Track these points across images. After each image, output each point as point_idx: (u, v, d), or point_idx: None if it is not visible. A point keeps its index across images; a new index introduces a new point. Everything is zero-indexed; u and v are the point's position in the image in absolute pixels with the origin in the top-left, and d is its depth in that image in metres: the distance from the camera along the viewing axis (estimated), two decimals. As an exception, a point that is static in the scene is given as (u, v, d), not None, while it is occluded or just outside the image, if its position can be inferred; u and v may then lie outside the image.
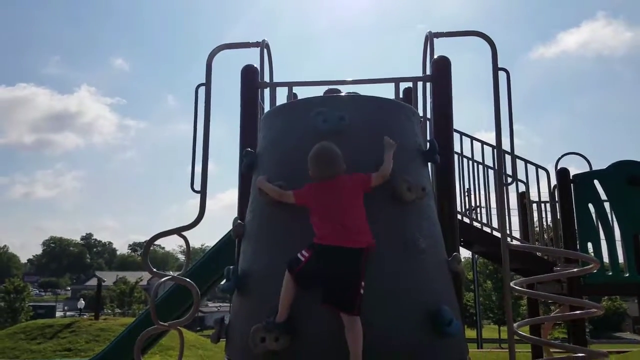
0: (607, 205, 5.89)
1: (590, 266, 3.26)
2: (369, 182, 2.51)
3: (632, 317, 46.71)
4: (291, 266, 2.41)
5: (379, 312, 2.39)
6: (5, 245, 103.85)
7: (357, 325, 2.29)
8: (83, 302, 44.36)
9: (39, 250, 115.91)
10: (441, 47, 3.67)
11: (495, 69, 3.09)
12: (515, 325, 2.87)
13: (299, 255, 2.42)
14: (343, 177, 2.49)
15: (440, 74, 3.53)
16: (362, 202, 2.46)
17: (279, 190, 2.63)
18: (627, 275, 5.74)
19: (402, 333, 2.39)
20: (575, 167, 6.10)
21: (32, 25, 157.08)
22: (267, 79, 3.89)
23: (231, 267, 2.85)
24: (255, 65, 3.75)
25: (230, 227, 3.15)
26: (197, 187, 3.25)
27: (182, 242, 3.16)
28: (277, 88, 3.91)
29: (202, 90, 3.38)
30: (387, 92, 4.00)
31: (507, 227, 6.20)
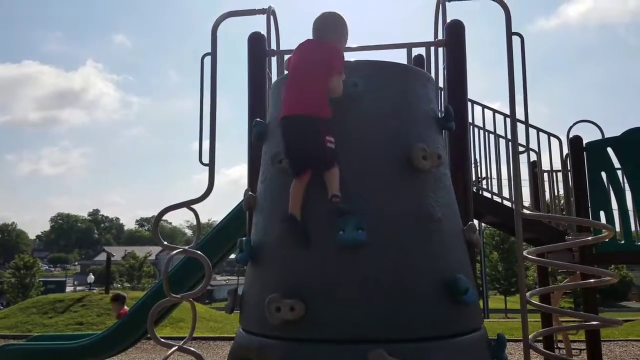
0: (619, 173, 5.80)
1: (604, 234, 3.20)
2: (332, 72, 2.50)
3: (639, 285, 47.00)
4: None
5: (395, 281, 2.35)
6: (13, 222, 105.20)
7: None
8: (92, 276, 44.99)
9: (47, 227, 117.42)
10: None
11: (509, 33, 2.97)
12: (527, 294, 2.84)
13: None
14: (323, 43, 2.62)
15: (454, 38, 3.42)
16: (327, 81, 2.48)
17: None
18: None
19: (418, 301, 2.36)
20: (586, 137, 5.97)
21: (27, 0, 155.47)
22: (273, 47, 3.78)
23: (244, 238, 2.82)
24: (262, 33, 3.65)
25: (238, 201, 3.12)
26: (205, 159, 3.21)
27: (189, 217, 3.18)
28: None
29: (207, 60, 3.31)
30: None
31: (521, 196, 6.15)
